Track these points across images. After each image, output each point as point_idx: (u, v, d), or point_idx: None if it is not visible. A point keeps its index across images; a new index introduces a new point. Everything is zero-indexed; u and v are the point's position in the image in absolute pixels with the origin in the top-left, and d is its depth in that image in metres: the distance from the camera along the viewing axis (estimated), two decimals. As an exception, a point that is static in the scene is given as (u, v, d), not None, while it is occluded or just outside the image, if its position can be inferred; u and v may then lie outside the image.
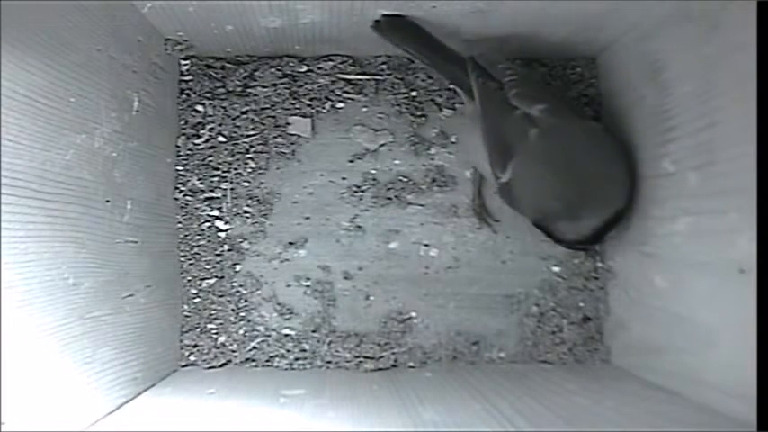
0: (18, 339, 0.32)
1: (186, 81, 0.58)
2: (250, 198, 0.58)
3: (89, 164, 0.40)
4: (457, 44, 0.53)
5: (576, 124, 0.51)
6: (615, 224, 0.49)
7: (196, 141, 0.58)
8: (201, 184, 0.58)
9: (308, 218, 0.58)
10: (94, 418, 0.39)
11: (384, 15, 0.50)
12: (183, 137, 0.58)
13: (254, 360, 0.56)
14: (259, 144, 0.58)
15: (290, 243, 0.58)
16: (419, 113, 0.59)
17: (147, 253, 0.49)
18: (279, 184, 0.58)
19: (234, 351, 0.56)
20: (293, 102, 0.59)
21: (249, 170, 0.58)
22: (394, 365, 0.56)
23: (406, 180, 0.59)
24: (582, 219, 0.49)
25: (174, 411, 0.43)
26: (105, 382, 0.41)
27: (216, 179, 0.58)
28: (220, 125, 0.58)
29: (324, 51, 0.58)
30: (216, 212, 0.58)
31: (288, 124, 0.59)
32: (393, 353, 0.56)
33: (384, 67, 0.59)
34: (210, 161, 0.58)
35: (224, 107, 0.58)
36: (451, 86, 0.56)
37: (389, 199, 0.59)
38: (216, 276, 0.57)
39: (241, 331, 0.57)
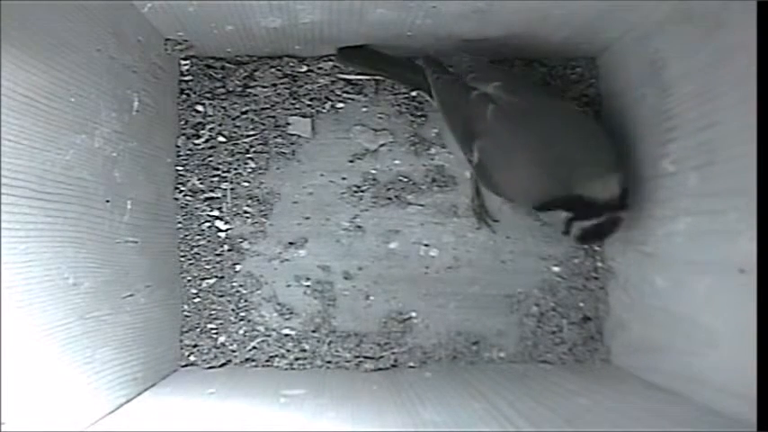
0: (18, 339, 0.32)
1: (186, 81, 0.58)
2: (250, 198, 0.58)
3: (89, 164, 0.40)
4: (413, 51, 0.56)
5: (539, 99, 0.52)
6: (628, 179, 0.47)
7: (196, 141, 0.58)
8: (201, 184, 0.58)
9: (308, 218, 0.58)
10: (94, 418, 0.39)
11: (340, 48, 0.56)
12: (183, 137, 0.58)
13: (254, 360, 0.56)
14: (259, 144, 0.58)
15: (290, 243, 0.58)
16: (419, 113, 0.59)
17: (147, 253, 0.49)
18: (279, 184, 0.58)
19: (234, 351, 0.56)
20: (293, 102, 0.59)
21: (249, 170, 0.58)
22: (394, 365, 0.56)
23: (406, 180, 0.59)
24: (573, 198, 0.46)
25: (174, 411, 0.43)
26: (105, 382, 0.41)
27: (216, 179, 0.58)
28: (220, 125, 0.58)
29: (324, 51, 0.58)
30: (216, 212, 0.58)
31: (288, 124, 0.59)
32: (393, 353, 0.56)
33: (384, 67, 0.59)
34: (210, 161, 0.58)
35: (224, 107, 0.58)
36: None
37: (389, 199, 0.59)
38: (216, 276, 0.57)
39: (241, 331, 0.57)
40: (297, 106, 0.59)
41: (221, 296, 0.57)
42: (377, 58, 0.56)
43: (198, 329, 0.56)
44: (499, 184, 0.52)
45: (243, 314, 0.57)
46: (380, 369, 0.55)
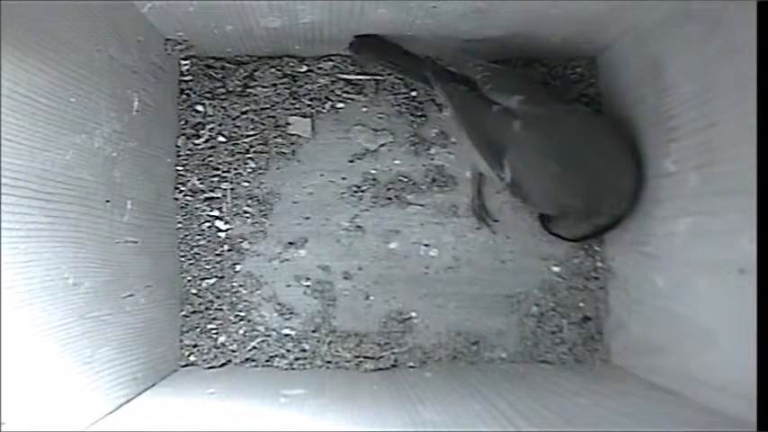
0: (18, 339, 0.32)
1: (186, 81, 0.58)
2: (250, 198, 0.58)
3: (89, 164, 0.40)
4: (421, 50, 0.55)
5: (561, 109, 0.51)
6: (638, 191, 0.50)
7: (196, 141, 0.58)
8: (201, 184, 0.58)
9: (308, 218, 0.58)
10: (94, 418, 0.39)
11: (356, 36, 0.54)
12: (183, 137, 0.58)
13: (254, 360, 0.56)
14: (259, 144, 0.58)
15: (290, 243, 0.58)
16: (419, 113, 0.59)
17: (147, 253, 0.49)
18: (279, 184, 0.58)
19: (234, 351, 0.56)
20: (293, 102, 0.59)
21: (249, 170, 0.58)
22: (394, 365, 0.56)
23: (406, 180, 0.59)
24: (599, 204, 0.50)
25: (174, 411, 0.43)
26: (105, 382, 0.41)
27: (216, 179, 0.58)
28: (220, 125, 0.58)
29: (324, 51, 0.58)
30: (216, 212, 0.58)
31: (288, 124, 0.59)
32: (393, 353, 0.56)
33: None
34: (210, 161, 0.58)
35: (224, 107, 0.58)
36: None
37: (389, 199, 0.59)
38: (216, 276, 0.57)
39: (241, 331, 0.57)
40: (297, 106, 0.59)
41: (221, 296, 0.57)
42: (391, 49, 0.54)
43: (198, 329, 0.56)
44: (532, 196, 0.52)
45: (243, 314, 0.57)
46: (380, 369, 0.55)
